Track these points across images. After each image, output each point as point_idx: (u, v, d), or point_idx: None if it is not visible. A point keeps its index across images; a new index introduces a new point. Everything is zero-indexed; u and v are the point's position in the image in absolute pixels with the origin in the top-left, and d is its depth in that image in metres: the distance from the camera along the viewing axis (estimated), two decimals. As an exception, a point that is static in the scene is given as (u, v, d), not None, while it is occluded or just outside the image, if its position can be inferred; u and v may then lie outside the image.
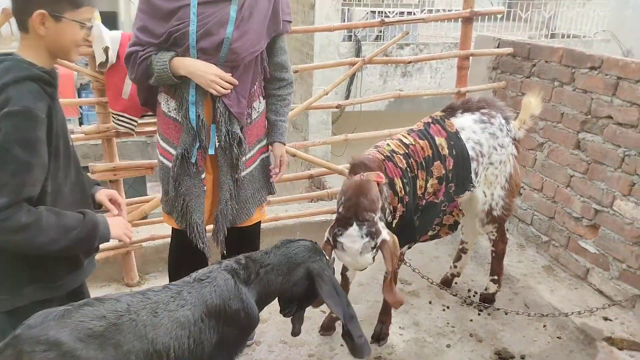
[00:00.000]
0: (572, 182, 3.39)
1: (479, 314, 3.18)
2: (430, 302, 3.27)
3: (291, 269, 1.95)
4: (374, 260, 2.30)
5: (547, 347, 2.88)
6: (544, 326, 3.06)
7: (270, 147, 2.48)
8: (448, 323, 3.08)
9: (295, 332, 2.11)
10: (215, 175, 2.36)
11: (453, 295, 3.33)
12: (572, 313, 2.94)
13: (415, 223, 2.62)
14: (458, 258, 3.37)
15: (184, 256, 2.51)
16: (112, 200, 1.88)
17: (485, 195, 2.88)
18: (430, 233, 2.80)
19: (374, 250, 2.25)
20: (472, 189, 2.77)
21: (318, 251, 2.02)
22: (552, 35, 11.93)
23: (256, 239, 2.67)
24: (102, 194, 1.88)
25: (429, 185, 2.60)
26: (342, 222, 2.26)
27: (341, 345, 2.85)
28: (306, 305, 2.08)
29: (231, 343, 1.82)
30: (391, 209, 2.46)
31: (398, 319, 3.07)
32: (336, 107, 3.69)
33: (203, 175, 2.31)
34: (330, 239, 2.29)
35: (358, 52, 9.63)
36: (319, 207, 4.06)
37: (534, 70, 3.65)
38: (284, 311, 2.04)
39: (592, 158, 3.23)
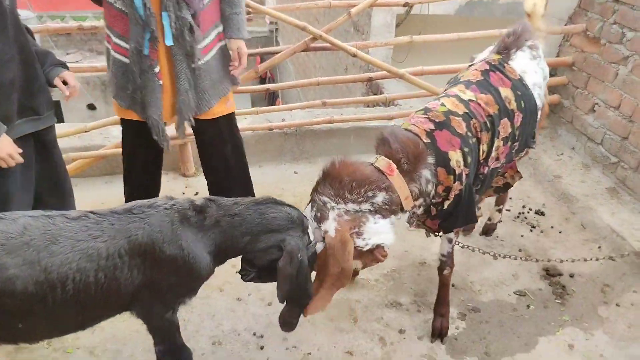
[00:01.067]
0: (654, 101, 3.15)
1: (531, 231, 3.15)
2: (480, 215, 3.26)
3: (262, 232, 1.76)
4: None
5: (598, 267, 2.85)
6: (599, 247, 3.00)
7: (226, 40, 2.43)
8: (497, 237, 3.07)
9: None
10: (172, 67, 2.32)
11: (507, 210, 3.29)
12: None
13: (475, 199, 2.24)
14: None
15: (137, 146, 2.59)
16: (65, 82, 2.10)
17: (533, 144, 2.58)
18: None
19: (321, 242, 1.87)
20: (533, 145, 2.50)
21: (301, 226, 1.80)
22: None
23: (231, 132, 2.65)
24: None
25: (493, 149, 2.22)
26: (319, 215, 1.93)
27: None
28: (266, 278, 1.87)
29: (167, 291, 1.72)
30: (439, 191, 2.08)
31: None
32: (403, 5, 3.48)
33: (157, 69, 2.28)
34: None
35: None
36: (375, 112, 4.00)
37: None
38: (241, 272, 1.89)
39: (682, 74, 2.96)
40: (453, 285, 2.71)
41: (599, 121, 3.59)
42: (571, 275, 2.80)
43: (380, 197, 1.90)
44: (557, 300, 2.65)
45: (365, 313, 2.54)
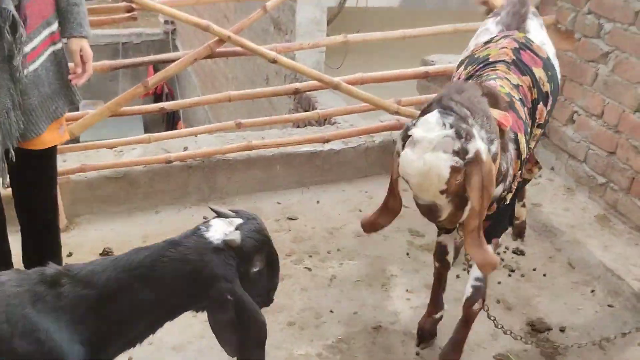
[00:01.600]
0: (642, 106, 3.35)
1: (509, 275, 3.23)
2: (447, 259, 3.31)
3: (165, 295, 1.70)
4: (450, 177, 1.86)
5: (594, 317, 2.95)
6: (592, 291, 3.11)
7: (65, 40, 2.41)
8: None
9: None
10: None
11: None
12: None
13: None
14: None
15: None
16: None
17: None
18: None
19: (459, 159, 1.85)
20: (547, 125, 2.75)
21: (226, 246, 1.72)
22: None
23: (50, 170, 2.57)
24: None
25: (532, 139, 2.48)
26: (421, 114, 2.03)
27: (331, 311, 2.90)
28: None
29: None
30: (511, 178, 2.25)
31: (405, 280, 3.10)
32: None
33: None
34: (400, 137, 2.01)
35: None
36: (306, 133, 4.01)
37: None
38: (225, 346, 1.79)
39: (672, 74, 3.17)
40: (418, 355, 2.71)
41: (580, 133, 3.78)
42: (562, 330, 2.87)
43: (495, 146, 2.02)
44: (547, 363, 2.71)
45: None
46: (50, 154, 2.51)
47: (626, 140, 3.46)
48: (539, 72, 2.46)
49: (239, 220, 1.81)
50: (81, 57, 2.42)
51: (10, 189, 2.52)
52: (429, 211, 2.00)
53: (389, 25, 3.90)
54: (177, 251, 1.70)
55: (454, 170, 1.84)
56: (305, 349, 2.67)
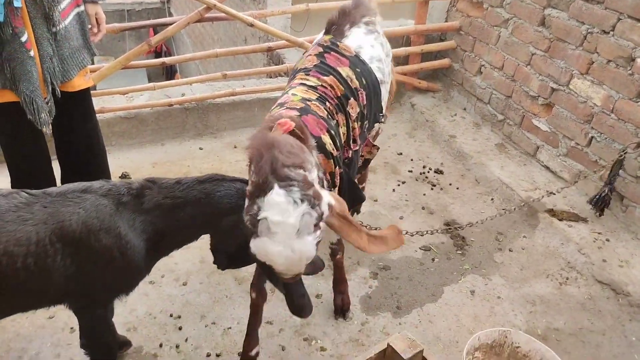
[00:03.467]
0: (532, 60, 3.39)
1: (432, 189, 3.31)
2: (385, 178, 3.38)
3: (214, 214, 1.60)
4: (317, 250, 1.53)
5: (492, 218, 3.07)
6: (492, 199, 3.23)
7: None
8: (402, 197, 3.20)
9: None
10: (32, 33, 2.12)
11: (409, 171, 3.44)
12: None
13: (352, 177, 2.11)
14: None
15: (16, 136, 2.34)
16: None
17: (382, 118, 2.42)
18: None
19: (319, 229, 1.49)
20: (382, 119, 2.35)
21: None
22: None
23: (82, 107, 2.49)
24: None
25: (351, 130, 2.08)
26: (258, 192, 1.48)
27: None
28: (241, 263, 1.73)
29: (101, 286, 1.59)
30: (328, 177, 1.86)
31: (354, 193, 3.16)
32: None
33: (24, 38, 2.06)
34: (249, 223, 1.49)
35: None
36: (277, 82, 3.95)
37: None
38: (215, 262, 1.75)
39: (555, 35, 3.20)
40: (364, 247, 2.80)
41: (485, 82, 3.82)
42: (469, 225, 2.99)
43: (314, 173, 1.63)
44: (458, 252, 2.83)
45: (281, 282, 2.55)
46: (82, 95, 2.42)
47: (519, 87, 3.52)
48: (345, 71, 2.09)
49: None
50: (96, 19, 2.35)
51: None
52: (293, 278, 1.60)
53: (341, -4, 3.80)
54: (230, 188, 1.64)
55: (318, 243, 1.52)
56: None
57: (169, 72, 9.59)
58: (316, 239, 1.48)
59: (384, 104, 2.38)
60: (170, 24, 3.28)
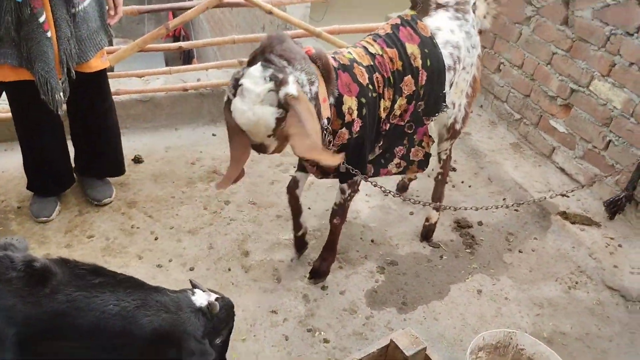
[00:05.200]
0: (553, 60, 3.33)
1: (444, 185, 3.28)
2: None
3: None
4: (276, 126, 1.78)
5: (503, 218, 3.04)
6: (504, 199, 3.19)
7: None
8: (413, 193, 3.18)
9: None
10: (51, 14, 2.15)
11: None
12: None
13: (367, 151, 2.20)
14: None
15: (29, 114, 2.39)
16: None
17: (454, 107, 2.47)
18: (394, 170, 2.43)
19: (278, 108, 1.75)
20: (445, 109, 2.36)
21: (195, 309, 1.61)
22: None
23: (97, 89, 2.54)
24: None
25: (396, 106, 2.17)
26: (248, 63, 1.84)
27: (309, 208, 2.94)
28: None
29: None
30: (330, 130, 2.04)
31: (366, 187, 3.14)
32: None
33: (42, 19, 2.08)
34: (231, 85, 1.82)
35: None
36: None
37: None
38: None
39: (578, 35, 3.14)
40: (372, 241, 2.80)
41: (504, 80, 3.76)
42: (479, 224, 2.97)
43: (315, 86, 1.87)
44: (467, 250, 2.81)
45: (288, 272, 2.56)
46: (98, 76, 2.45)
47: (538, 87, 3.46)
48: (411, 48, 2.16)
49: (216, 295, 1.72)
50: (114, 1, 2.36)
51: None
52: (259, 148, 1.89)
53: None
54: (161, 300, 1.56)
55: (279, 120, 1.75)
56: (289, 235, 2.73)
57: (187, 58, 9.60)
58: (276, 113, 1.74)
59: (453, 93, 2.41)
60: (190, 8, 3.27)
